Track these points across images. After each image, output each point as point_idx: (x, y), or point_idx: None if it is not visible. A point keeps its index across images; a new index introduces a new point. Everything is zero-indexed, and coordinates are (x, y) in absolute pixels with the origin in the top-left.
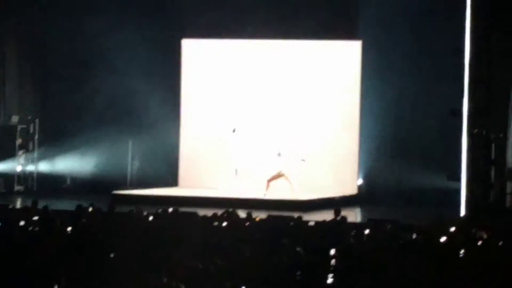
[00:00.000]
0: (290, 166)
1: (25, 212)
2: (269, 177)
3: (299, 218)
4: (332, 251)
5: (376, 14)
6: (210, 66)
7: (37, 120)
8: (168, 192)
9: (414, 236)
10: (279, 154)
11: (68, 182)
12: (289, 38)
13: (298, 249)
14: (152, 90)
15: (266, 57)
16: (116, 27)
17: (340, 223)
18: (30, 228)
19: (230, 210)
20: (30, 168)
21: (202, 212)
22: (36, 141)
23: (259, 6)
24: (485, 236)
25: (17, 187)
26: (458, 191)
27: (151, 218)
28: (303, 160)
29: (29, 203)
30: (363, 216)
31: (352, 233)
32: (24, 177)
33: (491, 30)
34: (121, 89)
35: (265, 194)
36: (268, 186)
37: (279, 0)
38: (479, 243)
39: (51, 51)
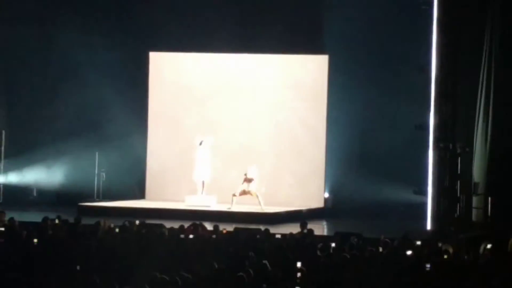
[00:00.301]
0: (256, 180)
1: None
2: (235, 192)
3: (266, 230)
4: (299, 264)
5: (343, 29)
6: (177, 79)
7: (3, 131)
8: (134, 204)
9: (380, 249)
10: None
11: (35, 193)
12: (256, 52)
13: (264, 261)
14: (120, 102)
15: (233, 70)
16: (84, 40)
17: (306, 236)
18: None
19: (197, 222)
20: None
21: (169, 224)
22: (2, 152)
23: (226, 19)
24: (451, 250)
25: None
26: (424, 205)
27: (117, 230)
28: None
29: None
30: (329, 229)
31: (319, 246)
32: None
33: (457, 45)
34: (89, 101)
35: (229, 208)
36: (233, 200)
37: (246, 14)
38: (445, 257)
39: (19, 62)
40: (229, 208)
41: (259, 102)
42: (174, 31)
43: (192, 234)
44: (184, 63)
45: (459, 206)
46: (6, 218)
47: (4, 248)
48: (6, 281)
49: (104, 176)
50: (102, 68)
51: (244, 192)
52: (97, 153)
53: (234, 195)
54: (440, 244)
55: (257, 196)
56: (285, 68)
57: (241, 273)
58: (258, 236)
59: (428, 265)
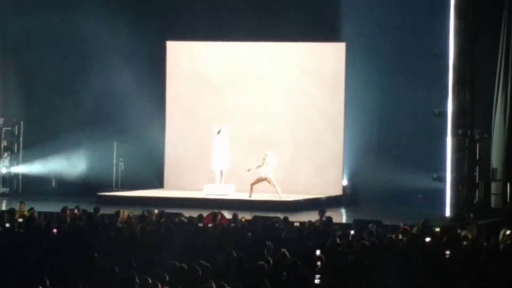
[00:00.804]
0: (275, 168)
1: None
2: (252, 181)
3: (285, 218)
4: (318, 252)
5: (360, 16)
6: (195, 68)
7: (22, 122)
8: (153, 193)
9: (399, 236)
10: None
11: (54, 184)
12: (274, 41)
13: (283, 250)
14: (137, 92)
15: (250, 59)
16: (102, 30)
17: (325, 224)
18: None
19: (216, 211)
20: (15, 170)
21: (188, 213)
22: (21, 143)
23: (243, 8)
24: (470, 237)
25: (2, 189)
26: (443, 192)
27: (136, 219)
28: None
29: (14, 205)
30: (348, 216)
31: (338, 234)
32: (9, 179)
33: (474, 32)
34: (106, 91)
35: (250, 196)
36: (251, 189)
37: (263, 2)
38: (464, 243)
39: (36, 53)
40: (250, 197)
41: (276, 91)
42: (191, 20)
43: (211, 223)
44: (201, 52)
45: (478, 193)
46: (26, 208)
47: (24, 238)
48: (26, 271)
49: (123, 165)
50: (120, 59)
51: (260, 179)
52: (115, 143)
53: (252, 184)
54: (459, 231)
55: (274, 184)
56: (303, 56)
57: (260, 262)
58: (277, 225)
59: (447, 252)
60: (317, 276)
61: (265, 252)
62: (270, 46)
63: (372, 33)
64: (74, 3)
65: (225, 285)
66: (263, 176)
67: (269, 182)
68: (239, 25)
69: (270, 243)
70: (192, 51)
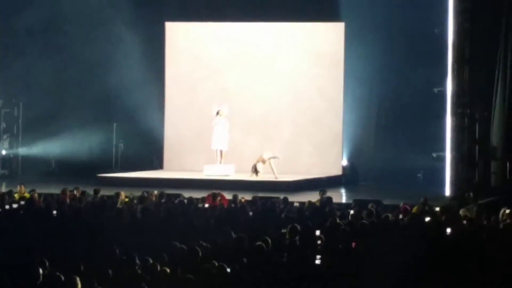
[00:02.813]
0: (274, 148)
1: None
2: (254, 161)
3: (285, 199)
4: (317, 232)
5: None
6: (194, 49)
7: (21, 104)
8: (153, 174)
9: (399, 216)
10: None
11: (53, 165)
12: (273, 21)
13: (283, 230)
14: (137, 73)
15: (250, 39)
16: (100, 10)
17: (325, 204)
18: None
19: (216, 192)
20: (15, 152)
21: (188, 194)
22: (20, 125)
23: None
24: (470, 216)
25: (2, 171)
26: (443, 171)
27: (136, 200)
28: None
29: (14, 187)
30: (348, 196)
31: (338, 214)
32: (9, 161)
33: (474, 10)
34: (106, 72)
35: (251, 175)
36: (253, 170)
37: None
38: (464, 222)
39: (34, 34)
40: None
41: (276, 71)
42: (190, 0)
43: (211, 203)
44: (200, 33)
45: (478, 172)
46: (26, 190)
47: (24, 220)
48: (26, 253)
49: (122, 147)
50: (118, 39)
51: (255, 167)
52: (115, 124)
53: (253, 166)
54: (459, 210)
55: (270, 164)
56: (302, 36)
57: (260, 242)
58: (277, 205)
59: (448, 230)
60: (318, 256)
61: (265, 232)
62: (269, 26)
63: (371, 13)
64: None
65: (225, 265)
66: (262, 157)
67: (263, 163)
68: (238, 5)
69: (272, 222)
70: (191, 32)
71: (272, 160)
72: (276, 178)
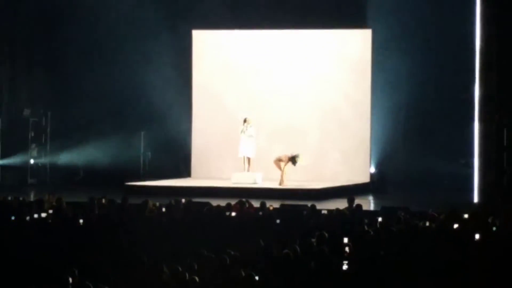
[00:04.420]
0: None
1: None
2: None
3: (313, 206)
4: (345, 240)
5: (386, 1)
6: (220, 56)
7: (49, 113)
8: (181, 183)
9: (427, 223)
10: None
11: (81, 174)
12: (300, 28)
13: (313, 239)
14: (164, 81)
15: (276, 47)
16: (128, 19)
17: (354, 211)
18: (43, 221)
19: (244, 199)
20: (43, 160)
21: (215, 202)
22: (48, 134)
23: None
24: (498, 222)
25: (30, 180)
26: (471, 177)
27: (164, 209)
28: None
29: (43, 195)
30: (376, 204)
31: (366, 221)
32: (37, 170)
33: (501, 15)
34: (133, 80)
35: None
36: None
37: None
38: (493, 229)
39: (62, 42)
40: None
41: (302, 78)
42: (217, 8)
43: (239, 211)
44: (227, 40)
45: (506, 178)
46: (54, 198)
47: (52, 229)
48: (54, 261)
49: (150, 155)
50: (146, 47)
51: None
52: (142, 133)
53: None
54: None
55: (283, 167)
56: (329, 43)
57: (287, 250)
58: (304, 212)
59: (477, 236)
60: (345, 262)
61: (293, 240)
62: (295, 33)
63: (399, 19)
64: None
65: (253, 273)
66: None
67: (279, 166)
68: (264, 13)
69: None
70: (218, 40)
71: (288, 164)
72: (280, 184)
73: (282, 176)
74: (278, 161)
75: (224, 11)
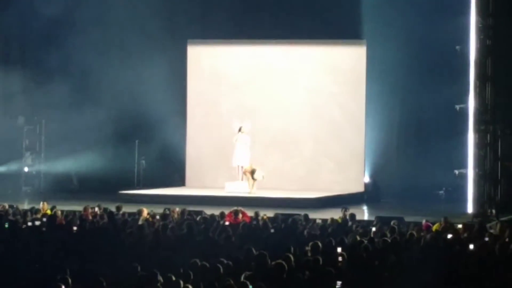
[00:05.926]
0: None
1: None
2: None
3: (306, 216)
4: (339, 249)
5: (381, 14)
6: (215, 67)
7: (43, 121)
8: (175, 191)
9: (421, 233)
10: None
11: (75, 182)
12: (294, 39)
13: (307, 248)
14: (159, 91)
15: (271, 57)
16: (123, 31)
17: (348, 221)
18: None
19: (237, 208)
20: (37, 168)
21: (209, 211)
22: (43, 142)
23: (263, 9)
24: (493, 233)
25: (24, 188)
26: (465, 188)
27: (158, 217)
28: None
29: (36, 204)
30: (370, 213)
31: (360, 231)
32: (31, 178)
33: (495, 26)
34: (128, 89)
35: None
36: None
37: (283, 3)
38: (487, 239)
39: (56, 52)
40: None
41: (297, 88)
42: (212, 20)
43: (233, 220)
44: (221, 51)
45: (500, 189)
46: (49, 207)
47: (46, 237)
48: (48, 269)
49: (144, 164)
50: (141, 58)
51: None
52: (137, 141)
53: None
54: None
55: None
56: (323, 55)
57: (281, 260)
58: (298, 222)
59: (471, 246)
60: (339, 272)
61: (286, 249)
62: (290, 45)
63: (393, 31)
64: (95, 6)
65: (247, 283)
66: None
67: (248, 176)
68: (259, 25)
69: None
70: (213, 51)
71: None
72: (249, 192)
73: (249, 185)
74: (244, 172)
75: (221, 23)
